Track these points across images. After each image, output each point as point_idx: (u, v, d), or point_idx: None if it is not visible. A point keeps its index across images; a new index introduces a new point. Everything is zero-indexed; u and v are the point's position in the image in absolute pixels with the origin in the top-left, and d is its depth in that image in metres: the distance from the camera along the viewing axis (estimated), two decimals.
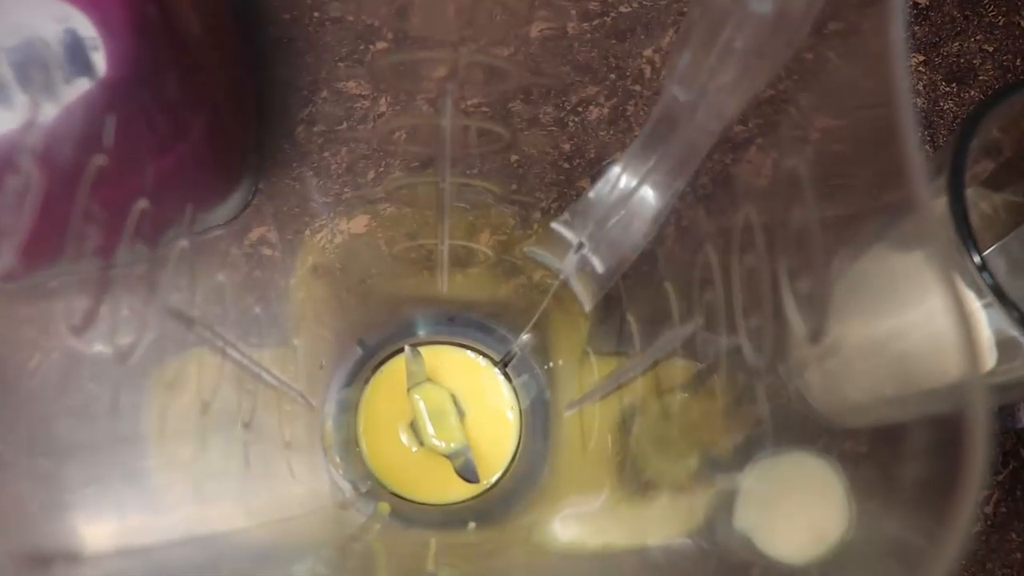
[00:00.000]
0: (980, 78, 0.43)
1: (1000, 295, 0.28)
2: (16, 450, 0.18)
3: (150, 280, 0.20)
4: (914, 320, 0.18)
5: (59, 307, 0.17)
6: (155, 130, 0.23)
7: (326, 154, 0.36)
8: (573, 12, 0.37)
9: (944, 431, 0.14)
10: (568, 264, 0.28)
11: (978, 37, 0.43)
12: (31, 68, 0.20)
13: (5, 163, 0.16)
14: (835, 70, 0.21)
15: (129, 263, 0.19)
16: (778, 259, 0.19)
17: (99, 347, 0.18)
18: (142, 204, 0.19)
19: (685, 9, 0.37)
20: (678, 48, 0.25)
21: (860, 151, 0.17)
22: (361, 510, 0.31)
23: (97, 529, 0.20)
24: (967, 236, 0.28)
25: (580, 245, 0.28)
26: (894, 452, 0.18)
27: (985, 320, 0.29)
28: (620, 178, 0.27)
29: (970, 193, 0.30)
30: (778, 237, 0.19)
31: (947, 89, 0.43)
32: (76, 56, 0.22)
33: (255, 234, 0.34)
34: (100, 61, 0.23)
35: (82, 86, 0.22)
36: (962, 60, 0.43)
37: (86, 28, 0.22)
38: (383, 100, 0.36)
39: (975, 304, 0.29)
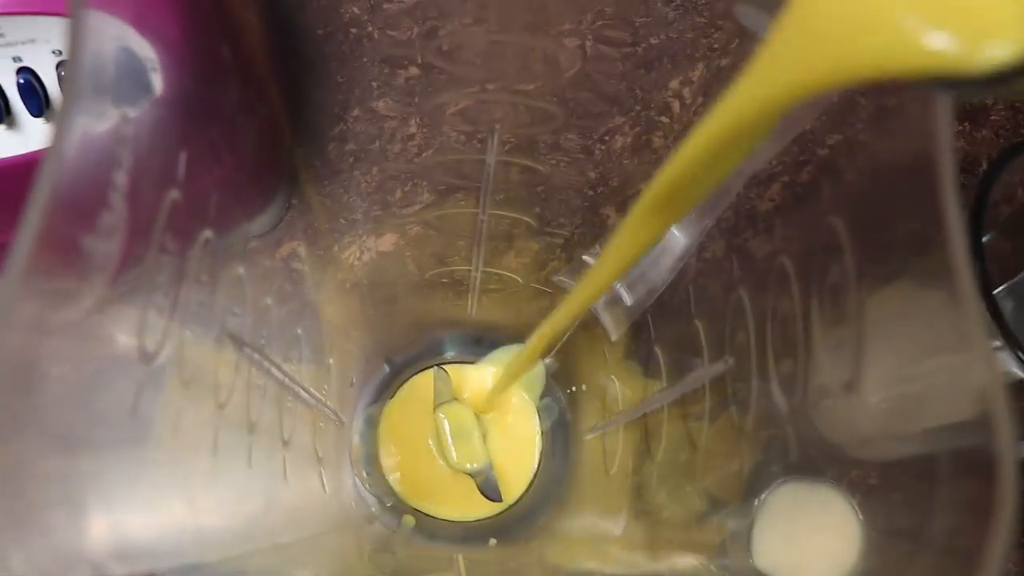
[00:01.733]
0: (992, 118, 0.44)
1: (1011, 338, 0.29)
2: (33, 450, 0.19)
3: (210, 305, 0.20)
4: (932, 358, 0.19)
5: (109, 323, 0.18)
6: (213, 149, 0.24)
7: (356, 172, 0.36)
8: (602, 47, 0.37)
9: (970, 471, 0.15)
10: None
11: None
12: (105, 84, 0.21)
13: (99, 186, 0.17)
14: (865, 112, 0.22)
15: (194, 286, 0.20)
16: (812, 308, 0.20)
17: (161, 362, 0.18)
18: (207, 233, 0.20)
19: (715, 46, 0.38)
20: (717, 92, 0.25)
21: (895, 197, 0.18)
22: (386, 524, 0.32)
23: (125, 536, 0.20)
24: (982, 279, 0.29)
25: None
26: (916, 491, 0.19)
27: None
28: None
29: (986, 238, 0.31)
30: (813, 287, 0.20)
31: (959, 128, 0.43)
32: (133, 75, 0.23)
33: (286, 249, 0.34)
34: (157, 81, 0.23)
35: (141, 106, 0.23)
36: (974, 100, 0.44)
37: (142, 47, 0.23)
38: (413, 122, 0.37)
39: None
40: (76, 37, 0.16)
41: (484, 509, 0.33)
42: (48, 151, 0.15)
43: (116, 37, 0.22)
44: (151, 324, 0.18)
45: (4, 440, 0.15)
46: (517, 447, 0.34)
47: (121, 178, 0.16)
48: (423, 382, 0.34)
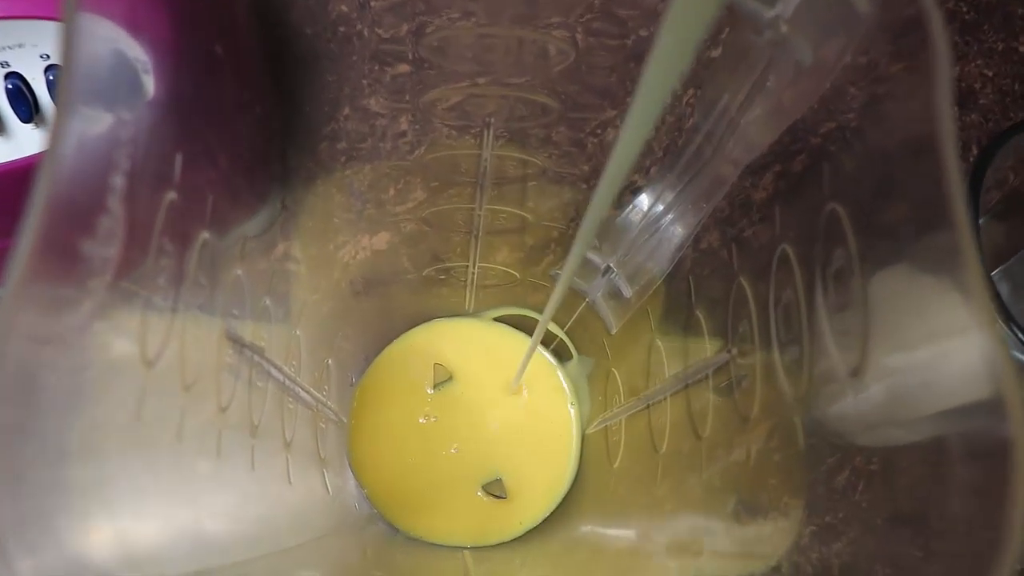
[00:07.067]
0: (980, 102, 0.44)
1: (1008, 319, 0.29)
2: (36, 459, 0.18)
3: (210, 308, 0.20)
4: (937, 340, 0.19)
5: (109, 328, 0.18)
6: (207, 149, 0.24)
7: (348, 171, 0.36)
8: (592, 40, 0.37)
9: (978, 455, 0.15)
10: (595, 288, 0.29)
11: (978, 62, 0.45)
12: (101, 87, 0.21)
13: (97, 190, 0.17)
14: (857, 101, 0.22)
15: (193, 289, 0.19)
16: (816, 295, 0.20)
17: (162, 366, 0.18)
18: (205, 235, 0.20)
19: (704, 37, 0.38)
20: (710, 84, 0.25)
21: (893, 182, 0.18)
22: (387, 524, 0.31)
23: (132, 543, 0.20)
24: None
25: (608, 269, 0.29)
26: (921, 477, 0.19)
27: None
28: (648, 205, 0.28)
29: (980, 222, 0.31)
30: (817, 274, 0.20)
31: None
32: (126, 77, 0.22)
33: (280, 249, 0.34)
34: (149, 82, 0.23)
35: (134, 109, 0.22)
36: (963, 84, 0.44)
37: (134, 49, 0.23)
38: (404, 119, 0.37)
39: None
40: (69, 40, 0.16)
41: (484, 532, 0.31)
42: (45, 156, 0.14)
43: (108, 39, 0.21)
44: (152, 328, 0.18)
45: (8, 450, 0.14)
46: (547, 445, 0.32)
47: (119, 181, 0.16)
48: (399, 352, 0.33)
